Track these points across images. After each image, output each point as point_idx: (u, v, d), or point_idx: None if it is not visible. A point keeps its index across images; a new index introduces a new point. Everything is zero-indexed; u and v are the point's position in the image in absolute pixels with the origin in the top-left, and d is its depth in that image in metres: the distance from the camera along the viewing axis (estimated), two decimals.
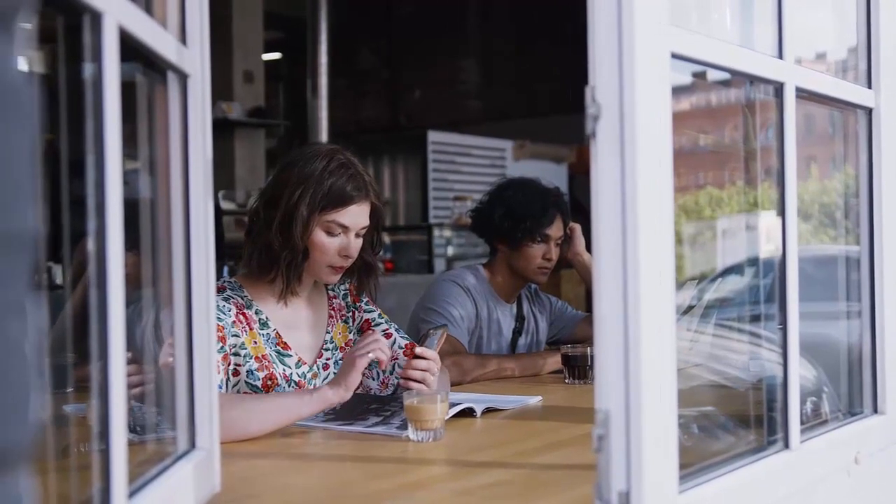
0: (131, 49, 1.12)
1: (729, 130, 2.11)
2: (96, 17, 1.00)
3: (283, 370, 2.22)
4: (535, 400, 2.39)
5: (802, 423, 1.59)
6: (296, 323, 2.30)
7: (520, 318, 3.19)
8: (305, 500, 1.59)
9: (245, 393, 2.16)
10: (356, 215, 2.22)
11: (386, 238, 7.60)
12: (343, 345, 2.38)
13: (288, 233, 2.17)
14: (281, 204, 2.18)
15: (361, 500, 1.53)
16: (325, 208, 2.18)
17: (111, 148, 1.02)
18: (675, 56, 1.27)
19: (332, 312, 2.39)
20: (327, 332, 2.36)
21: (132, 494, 1.11)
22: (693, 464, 1.35)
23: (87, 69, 1.02)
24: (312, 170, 2.18)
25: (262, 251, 2.22)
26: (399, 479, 1.66)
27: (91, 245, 1.01)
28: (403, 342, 2.39)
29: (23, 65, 0.58)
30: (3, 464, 0.54)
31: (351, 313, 2.42)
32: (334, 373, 2.30)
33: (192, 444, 1.39)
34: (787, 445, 1.55)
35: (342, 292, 2.43)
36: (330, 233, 2.21)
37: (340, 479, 1.69)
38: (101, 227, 1.01)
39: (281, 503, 1.54)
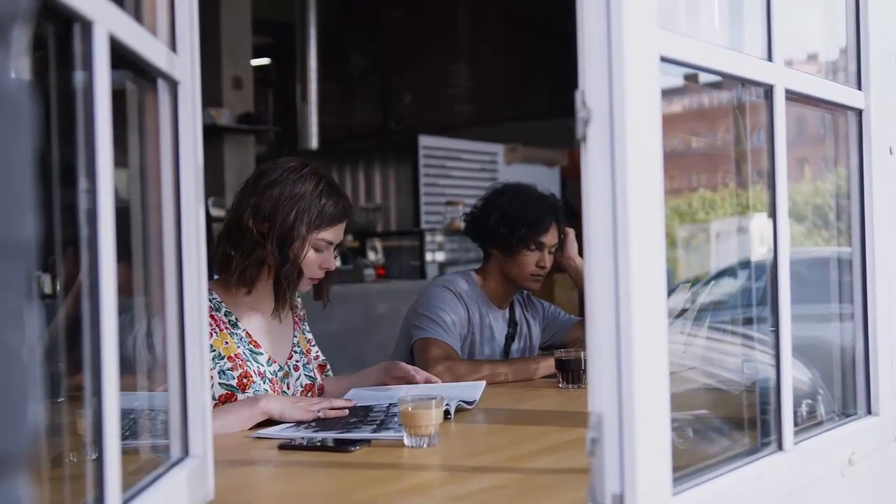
0: (120, 56, 1.12)
1: (721, 132, 2.11)
2: (87, 26, 1.00)
3: (258, 367, 2.31)
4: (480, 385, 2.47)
5: (798, 425, 1.59)
6: (266, 327, 2.40)
7: (512, 324, 3.18)
8: None
9: (220, 395, 2.23)
10: (341, 232, 2.38)
11: (377, 244, 7.59)
12: (305, 351, 2.50)
13: (285, 250, 2.28)
14: (276, 221, 2.27)
15: None
16: (318, 227, 2.31)
17: (102, 156, 1.02)
18: (664, 59, 1.27)
19: (297, 319, 2.52)
20: (294, 337, 2.48)
21: (126, 502, 1.10)
22: (687, 466, 1.35)
23: (78, 77, 1.02)
24: (304, 190, 2.30)
25: (255, 266, 2.30)
26: (394, 484, 1.66)
27: (83, 253, 1.01)
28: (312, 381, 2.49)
29: (20, 73, 0.58)
30: (3, 469, 0.54)
31: (306, 325, 2.56)
32: (305, 374, 2.45)
33: (186, 452, 1.39)
34: (780, 447, 1.55)
35: (298, 303, 2.56)
36: (317, 249, 2.34)
37: (335, 486, 1.69)
38: (93, 236, 1.01)
39: None
